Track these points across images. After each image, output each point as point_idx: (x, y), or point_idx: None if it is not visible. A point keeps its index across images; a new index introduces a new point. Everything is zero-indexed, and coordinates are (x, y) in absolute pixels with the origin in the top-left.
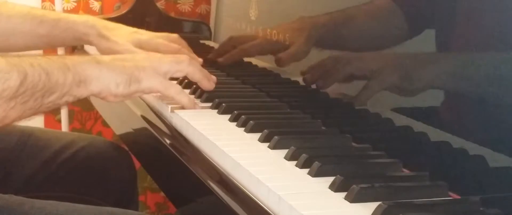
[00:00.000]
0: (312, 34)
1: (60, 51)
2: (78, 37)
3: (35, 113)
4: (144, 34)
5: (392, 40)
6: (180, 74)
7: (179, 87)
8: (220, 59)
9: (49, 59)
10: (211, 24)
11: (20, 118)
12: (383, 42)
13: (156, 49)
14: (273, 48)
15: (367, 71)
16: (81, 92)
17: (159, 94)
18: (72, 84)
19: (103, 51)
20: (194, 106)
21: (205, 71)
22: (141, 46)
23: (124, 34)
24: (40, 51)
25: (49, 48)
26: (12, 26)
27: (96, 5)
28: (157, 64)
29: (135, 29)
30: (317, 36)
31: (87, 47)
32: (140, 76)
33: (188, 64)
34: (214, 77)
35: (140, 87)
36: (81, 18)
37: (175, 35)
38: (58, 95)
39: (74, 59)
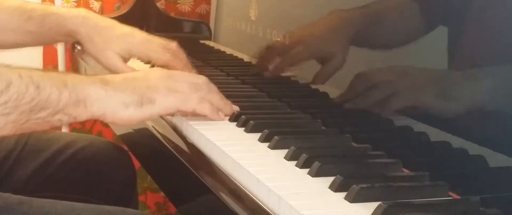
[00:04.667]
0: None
1: (60, 46)
2: (67, 33)
3: (20, 129)
4: (137, 37)
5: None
6: (193, 99)
7: (198, 96)
8: (267, 73)
9: (45, 74)
10: (211, 24)
11: (1, 131)
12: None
13: (147, 56)
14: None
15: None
16: (79, 113)
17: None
18: (68, 103)
19: (89, 53)
20: (218, 117)
21: (225, 99)
22: (130, 53)
23: (113, 37)
24: (40, 57)
25: (40, 45)
26: (0, 23)
27: (96, 5)
28: (172, 84)
29: (129, 30)
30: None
31: None
32: (153, 96)
33: (207, 91)
34: (236, 107)
35: (154, 109)
36: (72, 12)
37: (173, 43)
38: (50, 112)
39: (77, 78)
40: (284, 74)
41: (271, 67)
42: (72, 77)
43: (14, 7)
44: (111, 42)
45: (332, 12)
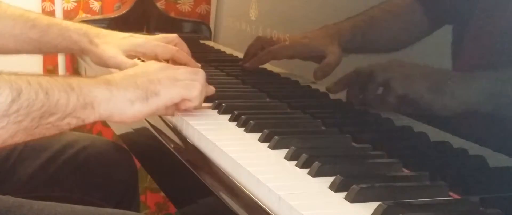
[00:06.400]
0: (341, 40)
1: (60, 56)
2: (70, 44)
3: (30, 135)
4: (139, 38)
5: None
6: (195, 87)
7: (199, 83)
8: (246, 64)
9: (51, 79)
10: (211, 24)
11: (13, 139)
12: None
13: (153, 52)
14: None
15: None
16: (87, 115)
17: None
18: (76, 106)
19: (93, 60)
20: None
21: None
22: (136, 49)
23: (116, 40)
24: (40, 57)
25: (41, 53)
26: (3, 29)
27: (96, 5)
28: (172, 74)
29: (130, 34)
30: (344, 41)
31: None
32: (156, 89)
33: (203, 78)
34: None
35: (160, 101)
36: (74, 25)
37: (173, 35)
38: (60, 116)
39: (82, 81)
40: (264, 66)
41: (255, 58)
42: (77, 80)
43: (18, 15)
44: (115, 44)
45: (323, 26)
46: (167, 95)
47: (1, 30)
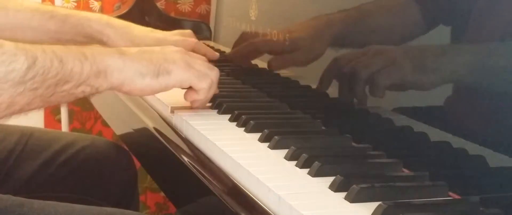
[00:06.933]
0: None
1: None
2: (90, 34)
3: (47, 102)
4: (159, 33)
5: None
6: (206, 80)
7: (211, 78)
8: (229, 53)
9: (65, 48)
10: (211, 24)
11: (30, 106)
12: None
13: (175, 45)
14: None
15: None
16: (100, 83)
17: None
18: (90, 74)
19: None
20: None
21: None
22: (159, 44)
23: (144, 35)
24: None
25: (59, 45)
26: (20, 21)
27: (96, 5)
28: (188, 59)
29: (150, 28)
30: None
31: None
32: (169, 68)
33: (217, 75)
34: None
35: (170, 80)
36: (95, 15)
37: (188, 31)
38: (74, 84)
39: (95, 50)
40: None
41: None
42: (90, 49)
43: (34, 8)
44: (142, 39)
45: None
46: (178, 76)
47: (19, 23)
